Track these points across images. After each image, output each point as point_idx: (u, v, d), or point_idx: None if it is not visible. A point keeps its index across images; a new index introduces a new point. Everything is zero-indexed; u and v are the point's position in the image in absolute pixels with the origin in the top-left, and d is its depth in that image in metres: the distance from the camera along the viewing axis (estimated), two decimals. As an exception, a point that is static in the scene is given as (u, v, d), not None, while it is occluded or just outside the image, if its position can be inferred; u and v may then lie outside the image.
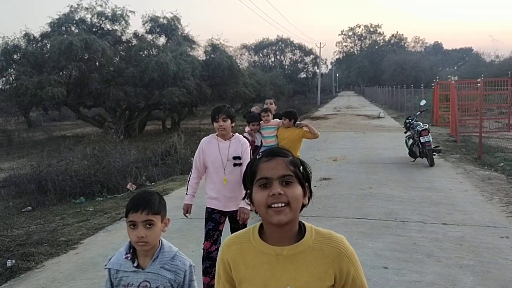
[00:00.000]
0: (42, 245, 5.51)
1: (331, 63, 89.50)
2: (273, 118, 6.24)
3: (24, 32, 20.00)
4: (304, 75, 69.47)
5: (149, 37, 22.69)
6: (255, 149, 5.50)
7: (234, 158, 3.65)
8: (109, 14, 21.14)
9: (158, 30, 22.84)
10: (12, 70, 19.30)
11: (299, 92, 56.71)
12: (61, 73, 19.04)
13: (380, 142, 13.94)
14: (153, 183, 10.04)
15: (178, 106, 21.72)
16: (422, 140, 9.43)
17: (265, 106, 6.74)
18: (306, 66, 69.67)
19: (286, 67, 69.03)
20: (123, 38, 22.33)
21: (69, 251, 5.39)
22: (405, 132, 10.78)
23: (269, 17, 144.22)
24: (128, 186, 9.49)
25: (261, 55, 69.31)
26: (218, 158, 3.66)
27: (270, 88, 39.66)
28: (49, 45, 19.83)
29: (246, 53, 67.17)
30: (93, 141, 12.81)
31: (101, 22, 21.50)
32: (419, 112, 11.23)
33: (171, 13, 22.99)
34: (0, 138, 23.23)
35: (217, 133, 3.71)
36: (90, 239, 5.81)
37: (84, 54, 18.42)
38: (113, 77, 19.61)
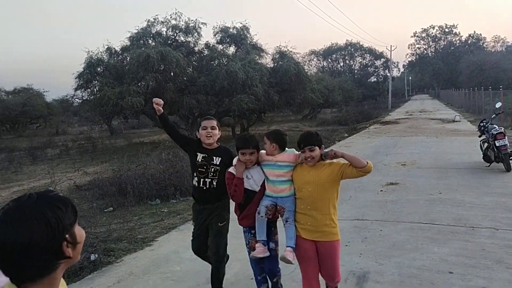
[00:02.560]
0: (121, 242, 6.05)
1: (403, 66, 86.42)
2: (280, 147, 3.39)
3: (106, 47, 21.73)
4: (375, 79, 67.93)
5: (220, 47, 23.49)
6: (248, 197, 3.42)
7: None
8: (183, 26, 22.26)
9: (228, 40, 23.58)
10: (96, 82, 20.98)
11: (369, 96, 55.52)
12: (139, 84, 20.35)
13: (454, 146, 13.38)
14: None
15: (247, 113, 22.26)
16: (497, 144, 8.99)
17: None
18: (376, 70, 68.11)
19: (355, 71, 67.92)
20: (196, 49, 23.35)
21: (145, 247, 5.85)
22: (480, 136, 10.30)
23: (338, 22, 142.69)
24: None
25: (329, 60, 68.82)
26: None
27: (339, 93, 39.28)
28: (128, 57, 21.30)
29: (314, 59, 67.10)
30: (168, 147, 13.60)
31: (175, 34, 22.67)
32: (494, 115, 10.67)
33: (241, 23, 23.67)
34: (85, 144, 25.33)
35: None
36: (164, 237, 6.27)
37: (160, 65, 19.51)
38: (186, 86, 20.58)
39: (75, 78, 20.83)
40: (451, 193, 7.44)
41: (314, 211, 3.14)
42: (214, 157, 3.82)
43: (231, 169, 3.48)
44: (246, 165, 3.39)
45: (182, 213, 7.68)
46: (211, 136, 3.77)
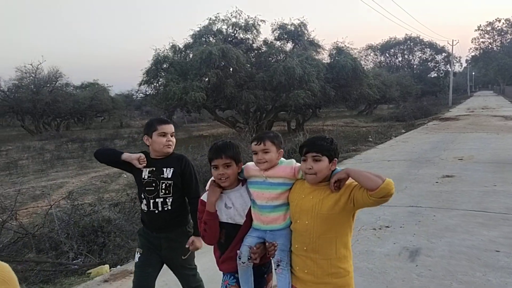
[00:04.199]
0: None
1: (466, 61, 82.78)
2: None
3: (171, 44, 23.03)
4: (435, 75, 65.67)
5: (277, 43, 24.10)
6: (228, 234, 2.46)
7: None
8: (243, 24, 23.09)
9: (285, 36, 24.12)
10: (161, 78, 22.34)
11: (428, 92, 53.89)
12: (202, 80, 21.45)
13: (515, 143, 13.22)
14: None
15: (303, 108, 22.78)
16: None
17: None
18: (437, 65, 65.80)
19: (414, 66, 66.06)
20: (254, 45, 24.13)
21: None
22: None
23: (396, 17, 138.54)
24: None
25: (387, 55, 67.38)
26: None
27: (396, 89, 38.66)
28: (191, 54, 22.46)
29: (371, 54, 66.00)
30: (229, 139, 14.47)
31: (235, 32, 23.56)
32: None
33: (298, 20, 24.11)
34: (149, 137, 26.96)
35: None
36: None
37: (221, 62, 20.47)
38: (245, 82, 21.42)
39: (143, 74, 22.29)
40: (506, 186, 7.65)
41: (313, 254, 2.22)
42: (164, 169, 2.99)
43: (203, 196, 2.51)
44: (221, 185, 2.43)
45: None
46: (171, 146, 3.03)
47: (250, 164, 2.44)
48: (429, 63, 65.88)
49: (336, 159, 2.25)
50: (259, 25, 23.16)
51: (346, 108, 40.46)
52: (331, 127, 23.26)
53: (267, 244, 2.33)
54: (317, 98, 21.49)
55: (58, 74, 35.85)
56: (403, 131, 20.41)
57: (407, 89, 43.11)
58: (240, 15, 23.03)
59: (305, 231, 2.22)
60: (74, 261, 5.32)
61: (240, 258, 2.35)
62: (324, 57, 24.28)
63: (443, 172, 9.16)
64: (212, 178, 2.47)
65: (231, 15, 23.10)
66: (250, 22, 23.02)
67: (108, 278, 4.50)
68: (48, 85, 35.59)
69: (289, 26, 23.91)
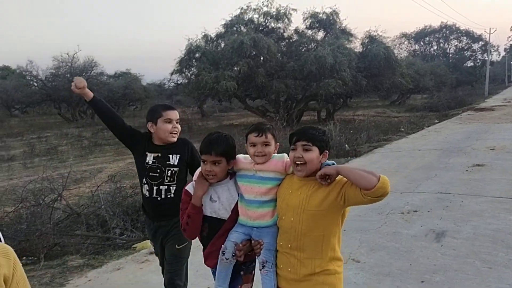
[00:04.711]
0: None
1: (505, 49, 79.82)
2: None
3: (203, 34, 23.41)
4: (471, 64, 63.78)
5: (309, 32, 24.09)
6: (211, 228, 2.34)
7: None
8: (274, 13, 23.18)
9: (317, 25, 24.06)
10: (193, 67, 22.77)
11: (464, 82, 52.46)
12: (232, 69, 21.75)
13: (551, 134, 12.96)
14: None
15: (334, 97, 22.77)
16: None
17: None
18: (474, 54, 63.84)
19: (450, 55, 64.33)
20: (285, 34, 24.19)
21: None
22: None
23: (430, 5, 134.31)
24: (289, 166, 10.97)
25: (422, 43, 65.82)
26: None
27: (430, 78, 37.93)
28: (222, 44, 22.79)
29: (405, 42, 64.62)
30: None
31: (266, 21, 23.69)
32: None
33: (330, 8, 24.01)
34: (182, 124, 27.58)
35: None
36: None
37: (252, 51, 20.70)
38: (275, 71, 21.59)
39: (176, 64, 22.79)
40: (538, 175, 7.65)
41: (298, 252, 2.13)
42: (170, 156, 2.92)
43: (189, 186, 2.36)
44: (208, 181, 2.29)
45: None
46: (176, 133, 2.94)
47: (241, 156, 2.31)
48: (465, 52, 63.99)
49: (327, 151, 2.13)
50: (290, 14, 23.20)
51: (378, 98, 39.99)
52: (362, 117, 23.19)
53: (253, 242, 2.23)
54: (348, 88, 21.44)
55: (93, 64, 36.97)
56: (436, 121, 20.17)
57: (441, 78, 42.15)
58: (271, 4, 23.13)
59: (290, 228, 2.12)
60: (121, 236, 5.77)
61: (223, 254, 2.24)
62: (356, 46, 24.13)
63: (474, 161, 9.17)
64: (199, 169, 2.32)
65: (263, 4, 23.22)
66: (281, 11, 23.08)
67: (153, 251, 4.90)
68: (83, 74, 36.75)
69: (320, 15, 23.85)
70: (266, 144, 2.20)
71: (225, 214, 2.29)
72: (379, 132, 16.19)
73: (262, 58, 21.74)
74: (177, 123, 2.90)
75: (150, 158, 2.90)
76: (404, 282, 3.76)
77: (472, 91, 44.79)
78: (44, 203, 6.50)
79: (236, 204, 2.29)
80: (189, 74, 23.16)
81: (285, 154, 2.25)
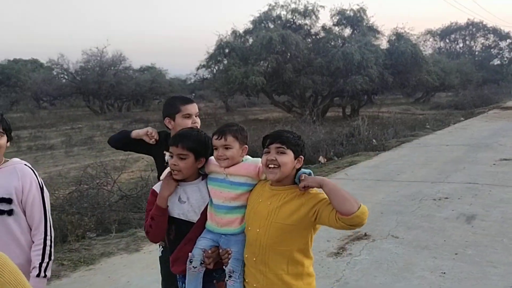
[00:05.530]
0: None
1: (534, 47, 78.17)
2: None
3: (232, 30, 24.01)
4: (498, 62, 62.78)
5: (336, 29, 24.43)
6: (179, 231, 2.18)
7: None
8: (302, 10, 23.62)
9: (344, 22, 24.34)
10: (222, 63, 23.42)
11: (490, 80, 51.78)
12: (260, 64, 22.29)
13: None
14: (340, 158, 11.80)
15: (360, 94, 23.10)
16: None
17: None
18: (501, 51, 62.84)
19: (476, 53, 63.46)
20: (312, 31, 24.61)
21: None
22: None
23: (458, 2, 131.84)
24: (319, 159, 11.46)
25: (447, 40, 65.07)
26: None
27: (456, 76, 37.71)
28: (251, 40, 23.35)
29: (430, 39, 63.99)
30: (289, 122, 15.34)
31: (294, 17, 24.14)
32: None
33: (357, 5, 24.25)
34: (208, 119, 28.32)
35: None
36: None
37: (281, 47, 21.19)
38: (303, 67, 22.05)
39: (205, 59, 23.46)
40: None
41: (262, 266, 1.99)
42: None
43: (156, 186, 2.22)
44: (174, 178, 2.14)
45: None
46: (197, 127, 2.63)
47: (213, 158, 2.16)
48: (492, 50, 63.02)
49: (302, 157, 2.01)
50: (318, 10, 23.60)
51: (402, 95, 39.97)
52: (387, 114, 23.44)
53: (220, 251, 2.09)
54: (375, 84, 21.72)
55: (121, 58, 37.89)
56: (462, 118, 20.32)
57: (467, 76, 41.82)
58: (299, 1, 23.57)
59: (255, 240, 1.98)
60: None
61: (191, 262, 2.08)
62: (383, 42, 24.35)
63: (501, 156, 9.53)
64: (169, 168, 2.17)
65: (291, 1, 23.67)
66: (309, 8, 23.49)
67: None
68: (112, 68, 37.76)
69: (348, 12, 24.11)
70: (227, 147, 2.07)
71: (194, 217, 2.14)
72: (406, 128, 16.50)
73: (289, 54, 22.21)
74: (196, 116, 2.63)
75: (168, 156, 2.58)
76: (440, 254, 4.27)
77: (499, 89, 44.23)
78: (100, 185, 7.18)
79: (206, 207, 2.15)
80: (217, 69, 23.82)
81: (259, 159, 2.09)
